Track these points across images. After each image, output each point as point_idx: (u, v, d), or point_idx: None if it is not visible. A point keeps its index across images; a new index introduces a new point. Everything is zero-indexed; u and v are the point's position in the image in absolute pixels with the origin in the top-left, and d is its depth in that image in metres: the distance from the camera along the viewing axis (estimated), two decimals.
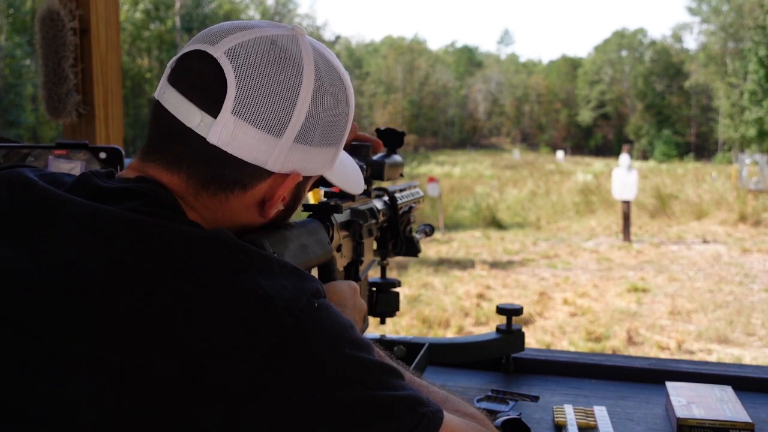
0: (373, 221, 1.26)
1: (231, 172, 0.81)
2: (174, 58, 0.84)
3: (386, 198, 1.37)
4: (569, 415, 1.30)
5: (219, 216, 0.84)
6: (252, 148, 0.80)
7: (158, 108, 0.82)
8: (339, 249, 1.13)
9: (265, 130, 0.79)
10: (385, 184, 1.39)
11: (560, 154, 40.88)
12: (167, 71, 0.83)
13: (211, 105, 0.78)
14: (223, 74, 0.78)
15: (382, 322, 1.43)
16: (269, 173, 0.83)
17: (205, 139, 0.78)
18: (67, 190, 0.79)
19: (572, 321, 6.43)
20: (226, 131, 0.78)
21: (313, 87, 0.81)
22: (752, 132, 34.99)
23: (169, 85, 0.81)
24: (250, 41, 0.80)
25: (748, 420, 1.21)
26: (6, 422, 0.68)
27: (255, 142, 0.79)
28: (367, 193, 1.29)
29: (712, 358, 5.30)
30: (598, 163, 35.16)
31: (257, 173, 0.82)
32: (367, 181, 1.27)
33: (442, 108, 58.96)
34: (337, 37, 59.26)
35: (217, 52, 0.79)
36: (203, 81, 0.79)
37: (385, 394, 0.72)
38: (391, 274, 1.47)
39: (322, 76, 0.83)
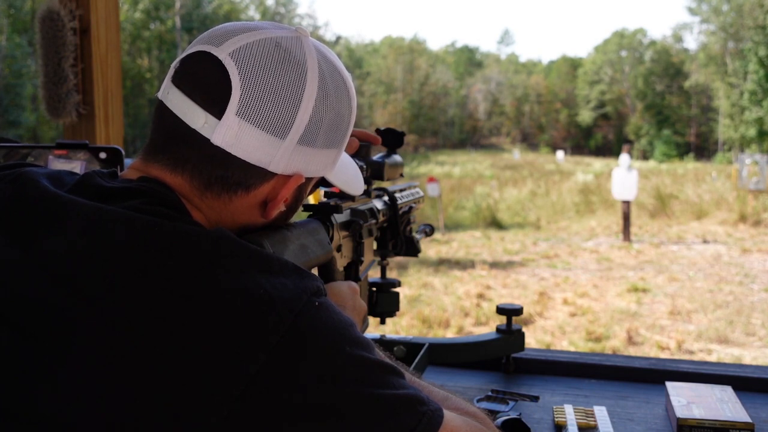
0: (373, 221, 1.26)
1: (235, 174, 0.81)
2: (178, 59, 0.84)
3: (386, 198, 1.37)
4: (569, 415, 1.30)
5: (222, 216, 0.84)
6: (256, 150, 0.80)
7: (161, 108, 0.82)
8: (339, 249, 1.13)
9: (269, 131, 0.80)
10: (385, 184, 1.39)
11: (560, 154, 40.88)
12: (171, 72, 0.83)
13: (216, 106, 0.78)
14: (228, 76, 0.78)
15: (382, 322, 1.43)
16: (272, 174, 0.83)
17: (209, 140, 0.79)
18: (69, 190, 0.79)
19: (572, 321, 6.43)
20: (231, 133, 0.78)
21: (316, 89, 0.82)
22: (752, 132, 34.99)
23: (173, 86, 0.81)
24: (255, 43, 0.80)
25: (748, 420, 1.21)
26: (6, 423, 0.68)
27: (259, 143, 0.80)
28: (367, 193, 1.29)
29: (712, 358, 5.31)
30: (598, 163, 35.17)
31: (260, 174, 0.82)
32: (367, 181, 1.27)
33: (442, 108, 58.95)
34: (338, 38, 59.25)
35: (222, 53, 0.79)
36: (208, 82, 0.79)
37: (386, 393, 0.72)
38: (391, 274, 1.47)
39: (326, 78, 0.83)
